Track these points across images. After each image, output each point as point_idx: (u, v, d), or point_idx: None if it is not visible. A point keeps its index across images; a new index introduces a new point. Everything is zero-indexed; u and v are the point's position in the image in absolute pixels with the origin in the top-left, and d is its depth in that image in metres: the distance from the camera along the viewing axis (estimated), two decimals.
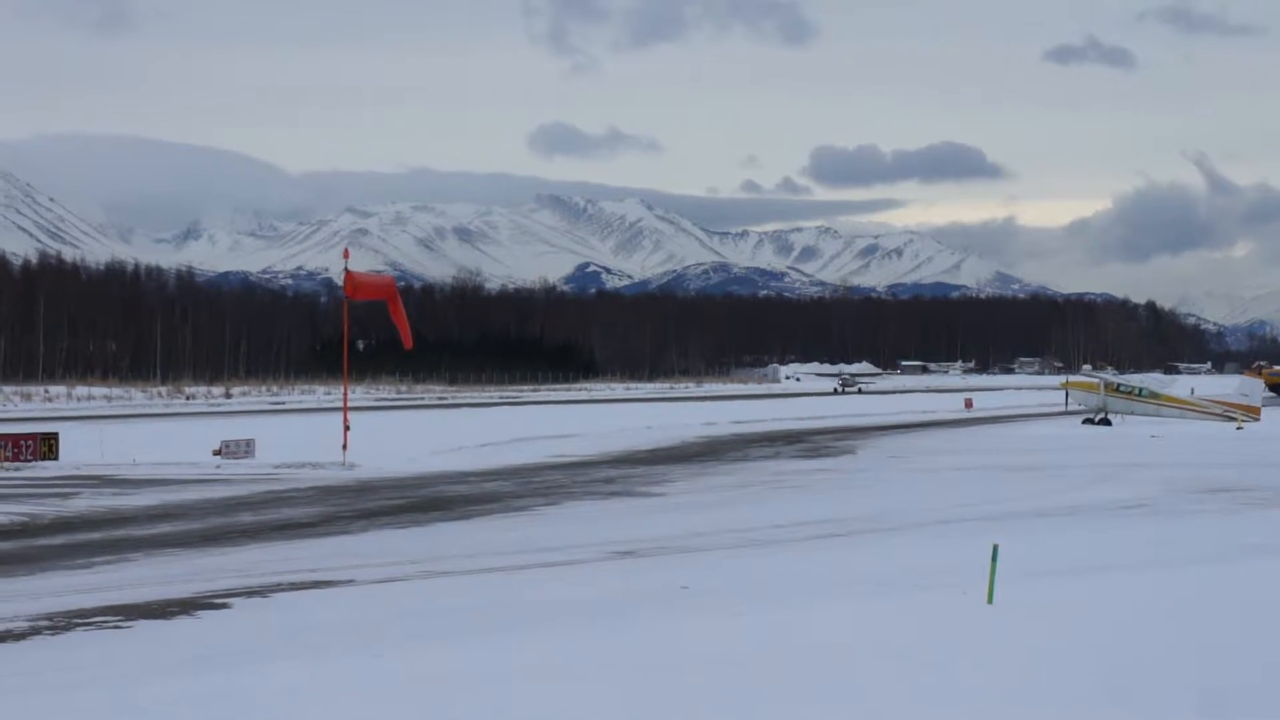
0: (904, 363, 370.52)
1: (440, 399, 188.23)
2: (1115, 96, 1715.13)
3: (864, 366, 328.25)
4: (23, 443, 71.60)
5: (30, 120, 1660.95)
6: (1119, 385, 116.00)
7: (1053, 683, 18.07)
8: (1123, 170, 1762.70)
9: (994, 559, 24.53)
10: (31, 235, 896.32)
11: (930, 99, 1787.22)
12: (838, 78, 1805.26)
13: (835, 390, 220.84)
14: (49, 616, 27.40)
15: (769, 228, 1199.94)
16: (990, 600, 23.81)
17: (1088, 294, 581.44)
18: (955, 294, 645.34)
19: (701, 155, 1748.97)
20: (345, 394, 75.99)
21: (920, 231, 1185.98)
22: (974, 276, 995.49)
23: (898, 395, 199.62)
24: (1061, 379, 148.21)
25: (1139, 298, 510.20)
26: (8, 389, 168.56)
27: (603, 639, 22.30)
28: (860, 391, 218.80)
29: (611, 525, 43.86)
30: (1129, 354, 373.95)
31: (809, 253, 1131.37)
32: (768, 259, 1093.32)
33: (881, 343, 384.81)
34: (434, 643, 22.95)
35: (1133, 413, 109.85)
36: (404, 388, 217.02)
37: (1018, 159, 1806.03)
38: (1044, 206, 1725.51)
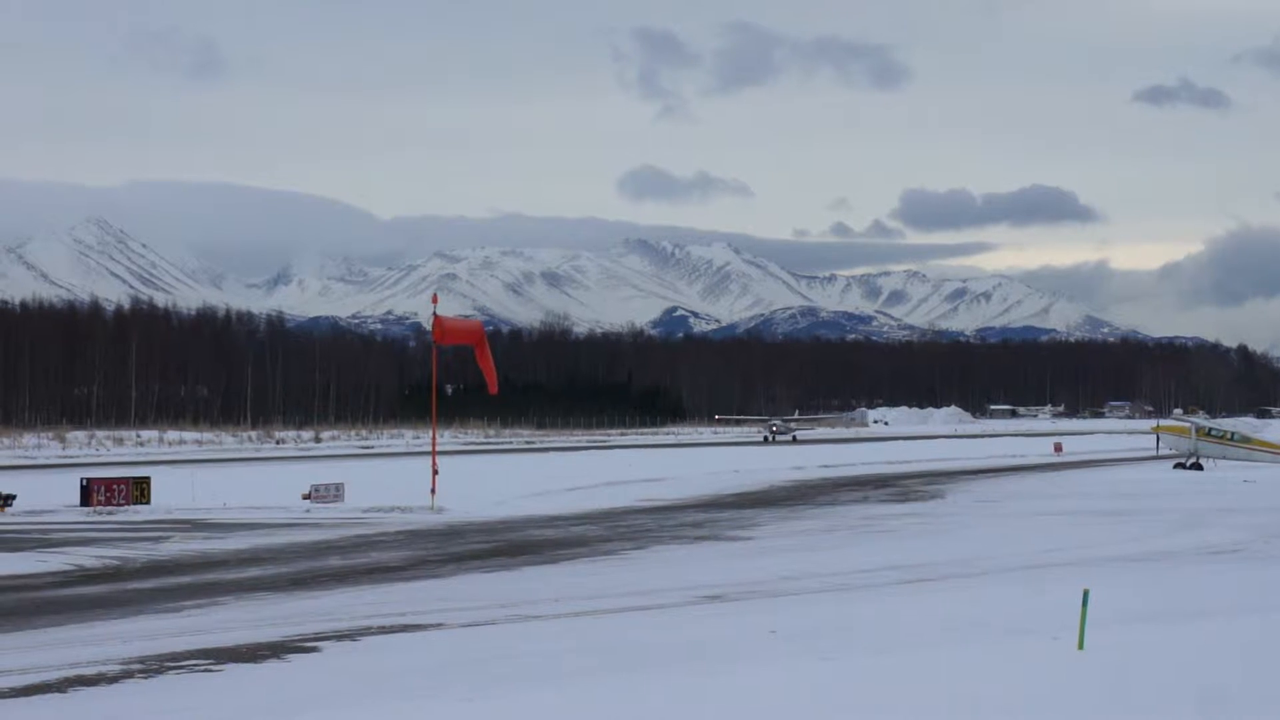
0: (993, 406, 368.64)
1: (528, 443, 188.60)
2: (1209, 138, 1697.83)
3: (952, 411, 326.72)
4: (115, 487, 72.22)
5: (124, 167, 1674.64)
6: (1210, 429, 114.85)
7: None
8: (1216, 213, 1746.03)
9: (1085, 604, 24.33)
10: (125, 281, 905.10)
11: (1021, 141, 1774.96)
12: (928, 120, 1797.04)
13: (765, 439, 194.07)
14: (141, 659, 27.57)
15: (857, 271, 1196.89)
16: (1081, 646, 23.62)
17: (1179, 338, 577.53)
18: (1044, 337, 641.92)
19: (790, 199, 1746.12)
20: (434, 438, 76.33)
21: (1010, 275, 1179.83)
22: (1063, 320, 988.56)
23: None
24: (1152, 423, 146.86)
25: (1231, 341, 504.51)
26: (101, 433, 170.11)
27: (689, 683, 22.25)
28: (795, 440, 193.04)
29: (699, 569, 43.78)
30: (1220, 398, 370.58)
31: (897, 296, 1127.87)
32: (855, 303, 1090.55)
33: (970, 386, 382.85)
34: (522, 687, 22.96)
35: (1225, 457, 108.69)
36: (492, 432, 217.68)
37: (1110, 201, 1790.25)
38: (1136, 249, 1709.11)
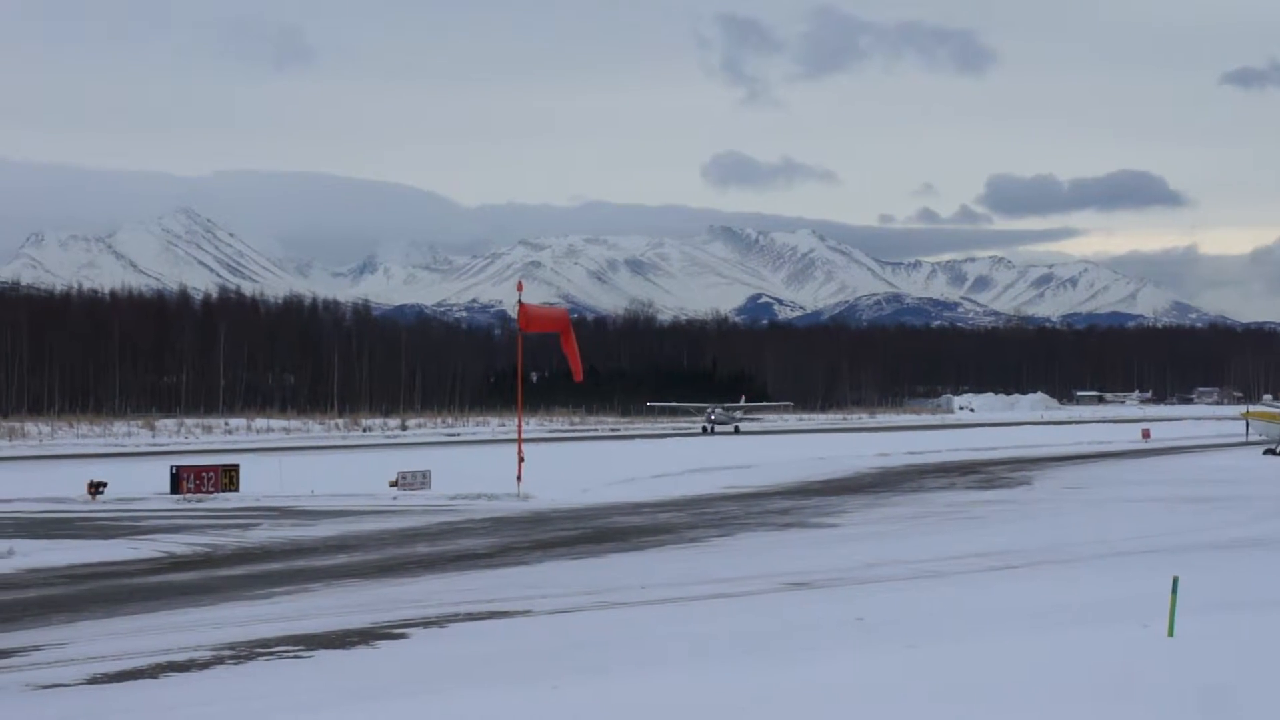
0: (1079, 393, 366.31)
1: (613, 430, 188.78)
2: None
3: (1038, 398, 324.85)
4: (205, 475, 72.81)
5: (211, 157, 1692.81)
6: None
7: (1236, 718, 17.79)
8: None
9: (1174, 591, 24.18)
10: (212, 270, 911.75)
11: (1108, 126, 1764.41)
12: (1014, 105, 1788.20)
13: (704, 430, 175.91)
14: (232, 646, 27.81)
15: (943, 258, 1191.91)
16: (1171, 633, 23.47)
17: (1269, 323, 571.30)
18: (1131, 324, 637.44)
19: (875, 185, 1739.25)
20: (519, 425, 76.52)
21: (1096, 260, 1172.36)
22: (1150, 306, 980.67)
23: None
24: (1241, 409, 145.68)
25: None
26: (190, 422, 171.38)
27: (775, 670, 22.25)
28: (737, 431, 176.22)
29: (785, 556, 43.77)
30: None
31: (982, 283, 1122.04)
32: (941, 289, 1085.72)
33: (1056, 373, 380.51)
34: (608, 674, 23.04)
35: None
36: (577, 419, 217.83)
37: (1198, 186, 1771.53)
38: (1225, 234, 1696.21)
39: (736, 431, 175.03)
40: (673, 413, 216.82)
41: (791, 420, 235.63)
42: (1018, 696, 19.15)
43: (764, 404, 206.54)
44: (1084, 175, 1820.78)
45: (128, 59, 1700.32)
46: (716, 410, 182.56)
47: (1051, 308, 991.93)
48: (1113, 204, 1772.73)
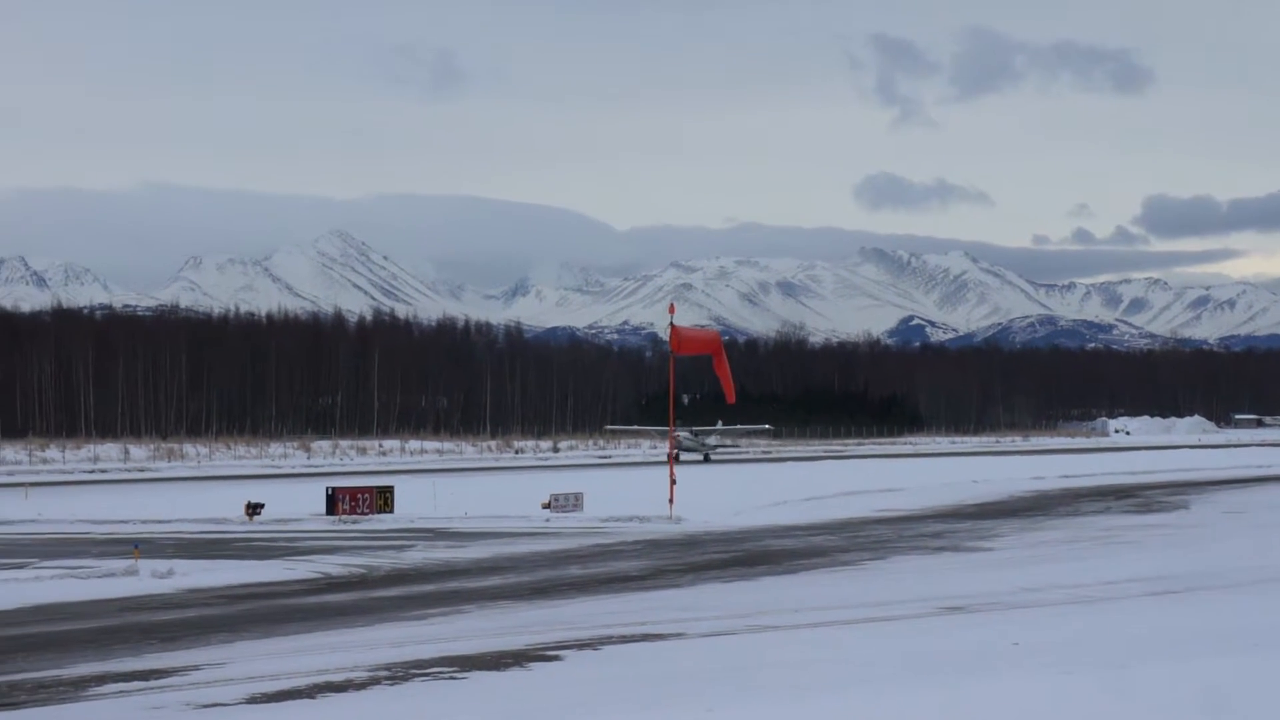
0: (1238, 416, 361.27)
1: (764, 452, 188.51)
2: None
3: (1195, 421, 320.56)
4: (360, 496, 73.52)
5: (365, 181, 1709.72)
6: None
7: None
8: None
9: None
10: (366, 293, 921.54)
11: (1269, 145, 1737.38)
12: (1172, 125, 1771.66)
13: (672, 456, 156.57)
14: (388, 666, 28.01)
15: (1098, 279, 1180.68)
16: None
17: None
18: None
19: (1029, 205, 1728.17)
20: (671, 448, 76.53)
21: (1256, 282, 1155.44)
22: None
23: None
24: None
25: None
26: (344, 443, 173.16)
27: (930, 695, 22.11)
28: (707, 459, 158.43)
29: (939, 580, 43.46)
30: None
31: (1138, 304, 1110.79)
32: (1095, 311, 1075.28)
33: (1214, 396, 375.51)
34: (762, 697, 22.97)
35: None
36: (729, 442, 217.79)
37: None
38: None
39: (706, 460, 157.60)
40: (634, 436, 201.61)
41: (944, 443, 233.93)
42: None
43: (738, 428, 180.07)
44: (1243, 195, 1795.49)
45: (285, 85, 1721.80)
46: (683, 434, 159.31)
47: (1209, 330, 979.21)
48: (1273, 224, 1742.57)
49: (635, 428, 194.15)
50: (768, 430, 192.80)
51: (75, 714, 24.39)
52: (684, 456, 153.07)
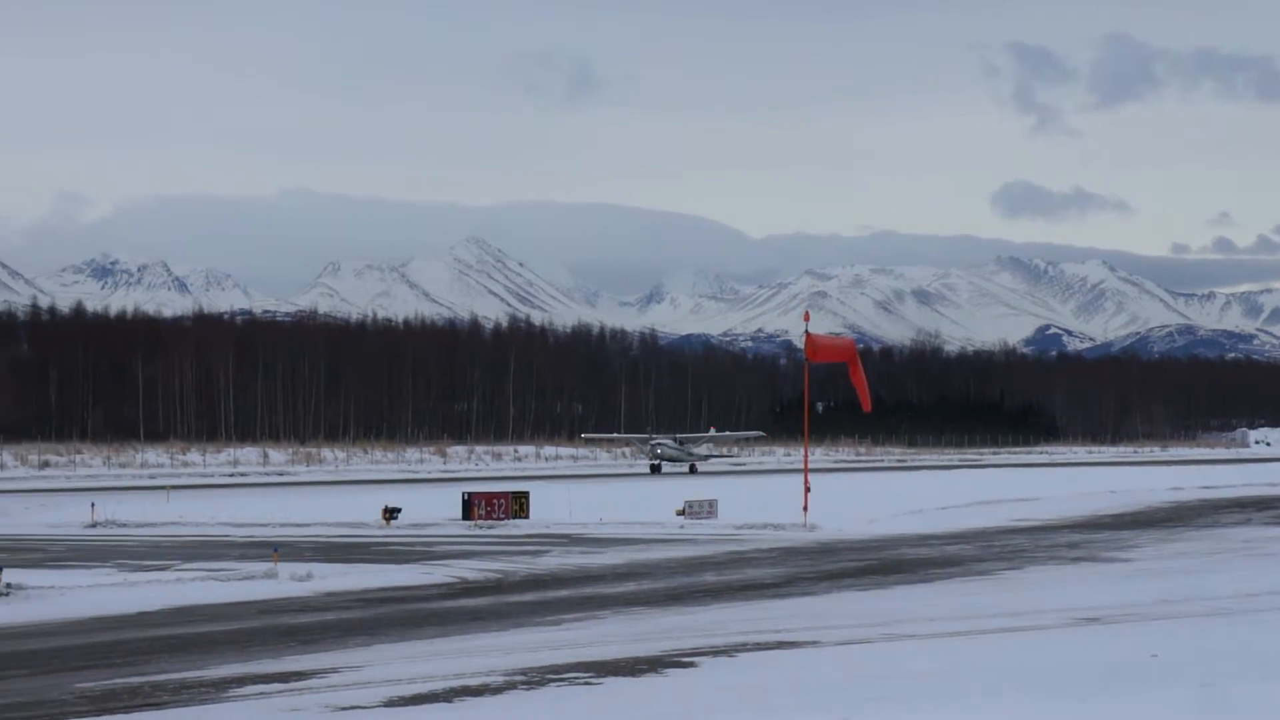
0: None
1: (899, 461, 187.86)
2: None
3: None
4: (495, 501, 74.00)
5: (501, 188, 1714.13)
6: None
7: None
8: None
9: None
10: (502, 299, 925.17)
11: None
12: None
13: (651, 469, 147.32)
14: (523, 671, 28.17)
15: (1239, 289, 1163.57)
16: None
17: None
18: None
19: (1169, 214, 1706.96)
20: (805, 455, 76.44)
21: None
22: None
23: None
24: None
25: None
26: (480, 449, 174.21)
27: (1066, 708, 21.98)
28: (693, 470, 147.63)
29: (1075, 590, 43.12)
30: None
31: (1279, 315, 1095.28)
32: (1235, 321, 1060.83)
33: None
34: (897, 707, 22.93)
35: None
36: (863, 449, 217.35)
37: None
38: None
39: (692, 471, 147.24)
40: (610, 444, 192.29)
41: (1080, 452, 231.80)
42: None
43: (728, 434, 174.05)
44: None
45: (422, 92, 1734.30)
46: (664, 444, 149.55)
47: None
48: None
49: (612, 435, 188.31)
50: (761, 436, 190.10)
51: (217, 714, 24.74)
52: (666, 468, 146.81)
